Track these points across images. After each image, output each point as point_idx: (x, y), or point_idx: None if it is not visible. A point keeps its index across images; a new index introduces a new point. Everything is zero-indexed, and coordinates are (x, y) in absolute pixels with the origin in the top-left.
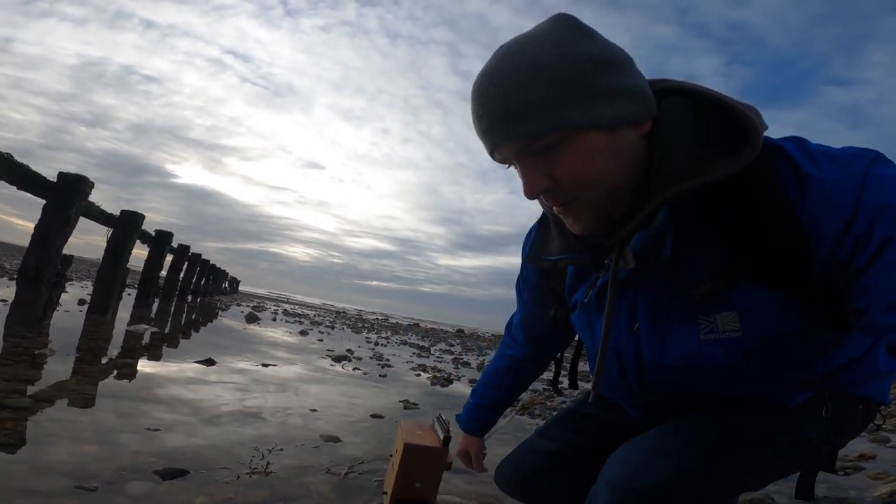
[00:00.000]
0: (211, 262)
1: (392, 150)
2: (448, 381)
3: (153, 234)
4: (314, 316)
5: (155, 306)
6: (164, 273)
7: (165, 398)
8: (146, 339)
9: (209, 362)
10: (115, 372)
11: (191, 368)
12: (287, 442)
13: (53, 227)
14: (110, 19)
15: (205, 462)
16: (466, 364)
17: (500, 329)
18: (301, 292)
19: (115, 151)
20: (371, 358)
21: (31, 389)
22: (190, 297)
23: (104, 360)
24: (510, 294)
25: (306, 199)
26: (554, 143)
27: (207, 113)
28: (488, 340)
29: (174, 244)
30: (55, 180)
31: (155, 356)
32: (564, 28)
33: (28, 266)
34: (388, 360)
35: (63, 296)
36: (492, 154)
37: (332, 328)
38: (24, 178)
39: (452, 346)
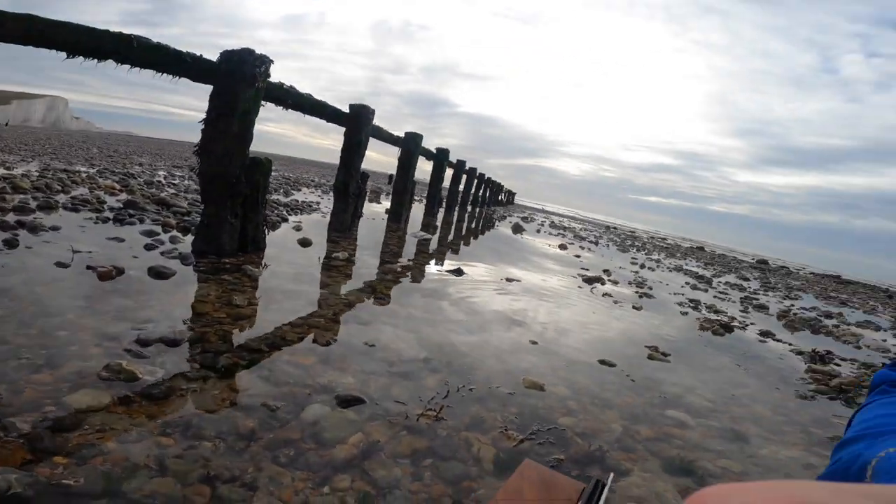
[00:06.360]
0: (487, 176)
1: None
2: (728, 327)
3: (434, 151)
4: (580, 230)
5: (440, 215)
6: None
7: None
8: (433, 245)
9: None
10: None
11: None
12: (485, 381)
13: (351, 149)
14: None
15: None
16: (762, 308)
17: (821, 266)
18: (574, 206)
19: (416, 91)
20: (631, 283)
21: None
22: (469, 208)
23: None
24: (844, 223)
25: (571, 116)
26: None
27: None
28: (804, 280)
29: (453, 160)
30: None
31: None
32: None
33: (339, 181)
34: (650, 287)
35: (375, 207)
36: None
37: (596, 244)
38: (323, 111)
39: (746, 280)
